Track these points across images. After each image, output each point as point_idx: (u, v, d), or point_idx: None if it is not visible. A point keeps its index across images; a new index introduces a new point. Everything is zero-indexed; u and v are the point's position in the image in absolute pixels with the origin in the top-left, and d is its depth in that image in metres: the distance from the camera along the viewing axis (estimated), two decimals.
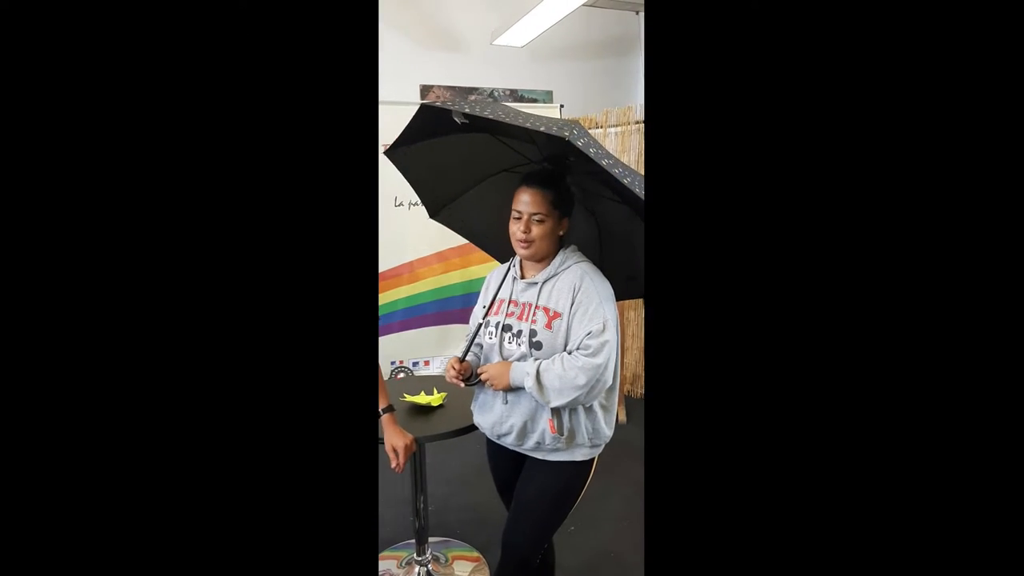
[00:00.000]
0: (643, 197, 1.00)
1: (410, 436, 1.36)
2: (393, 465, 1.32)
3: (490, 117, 1.04)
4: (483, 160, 1.40)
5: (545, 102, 3.88)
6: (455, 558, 1.90)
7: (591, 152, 0.99)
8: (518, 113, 1.07)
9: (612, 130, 3.00)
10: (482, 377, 1.23)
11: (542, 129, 1.00)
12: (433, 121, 1.22)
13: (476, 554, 1.91)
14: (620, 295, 1.40)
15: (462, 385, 1.25)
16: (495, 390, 1.22)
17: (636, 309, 3.17)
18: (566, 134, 0.98)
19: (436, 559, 1.85)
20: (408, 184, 1.50)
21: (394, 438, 1.34)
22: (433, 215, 1.53)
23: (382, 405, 1.38)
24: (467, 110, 1.08)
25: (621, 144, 2.98)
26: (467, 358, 1.28)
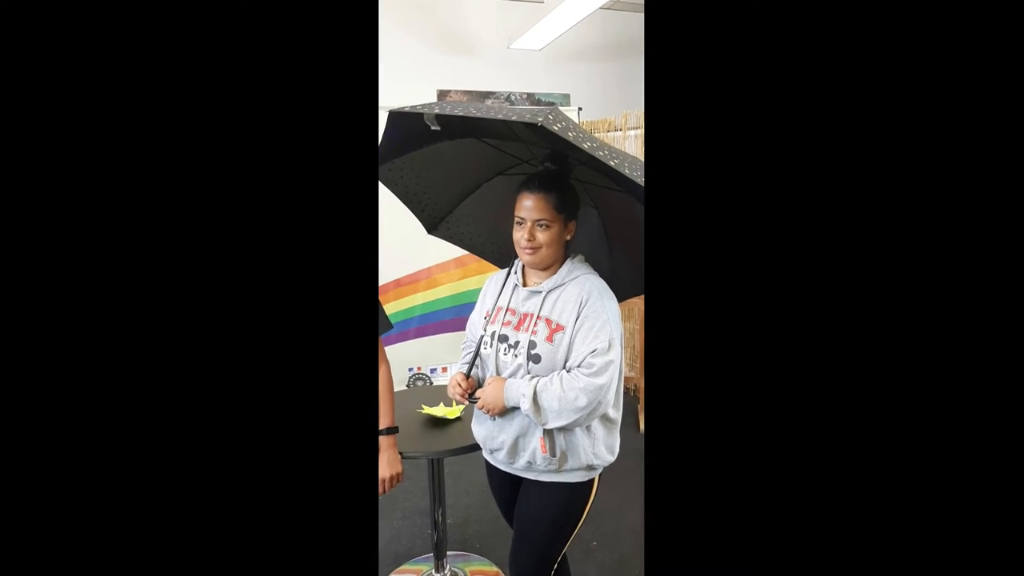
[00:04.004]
0: (631, 177, 0.92)
1: (399, 468, 1.32)
2: (381, 492, 1.30)
3: (461, 115, 0.99)
4: (474, 166, 1.35)
5: (562, 105, 3.84)
6: (473, 573, 1.85)
7: (570, 136, 0.92)
8: (490, 108, 1.02)
9: (631, 132, 2.94)
10: (477, 405, 1.17)
11: (514, 118, 0.95)
12: (410, 129, 1.17)
13: (495, 569, 1.86)
14: (631, 291, 1.34)
15: (467, 402, 1.21)
16: (491, 416, 1.17)
17: None
18: (539, 120, 0.90)
19: (455, 575, 1.81)
20: None
21: (383, 466, 1.30)
22: (431, 230, 1.48)
23: (386, 424, 1.33)
24: (438, 111, 1.02)
25: (641, 147, 2.93)
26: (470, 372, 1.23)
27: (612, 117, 3.09)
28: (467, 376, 1.21)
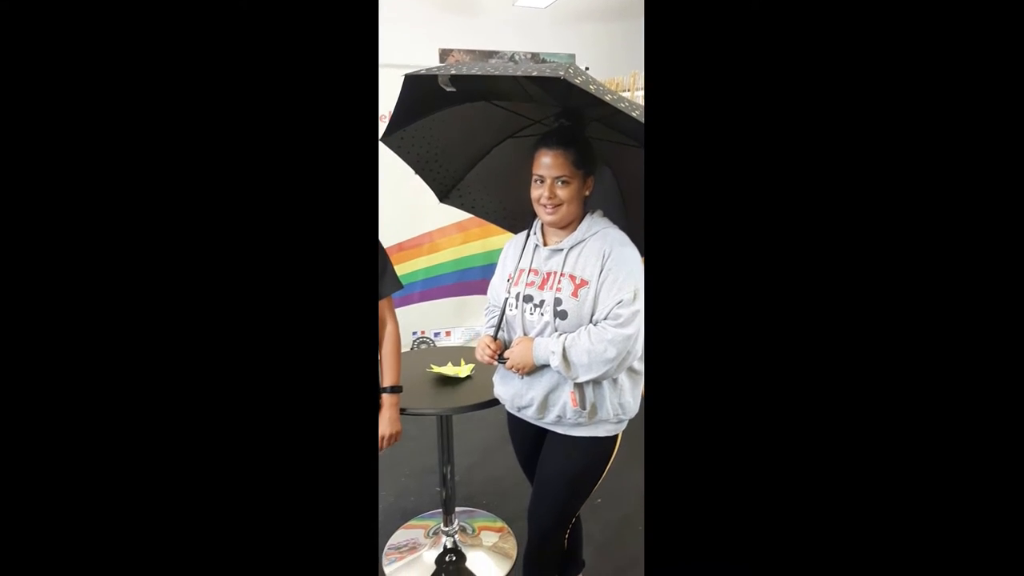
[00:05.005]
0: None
1: (399, 427, 1.33)
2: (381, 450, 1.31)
3: (478, 74, 0.98)
4: (483, 130, 1.33)
5: None
6: (481, 528, 1.89)
7: (591, 89, 0.91)
8: (507, 66, 1.02)
9: (639, 93, 2.88)
10: (506, 365, 1.18)
11: (535, 74, 0.93)
12: (423, 94, 1.15)
13: (501, 524, 1.90)
14: None
15: (496, 363, 1.21)
16: (521, 375, 1.18)
17: None
18: (561, 73, 0.89)
19: (463, 530, 1.85)
20: None
21: (383, 424, 1.31)
22: (443, 198, 1.46)
23: (390, 382, 1.33)
24: (453, 71, 1.00)
25: None
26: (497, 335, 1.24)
27: (620, 77, 3.02)
28: (494, 338, 1.21)
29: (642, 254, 1.37)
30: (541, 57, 3.77)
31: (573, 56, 3.82)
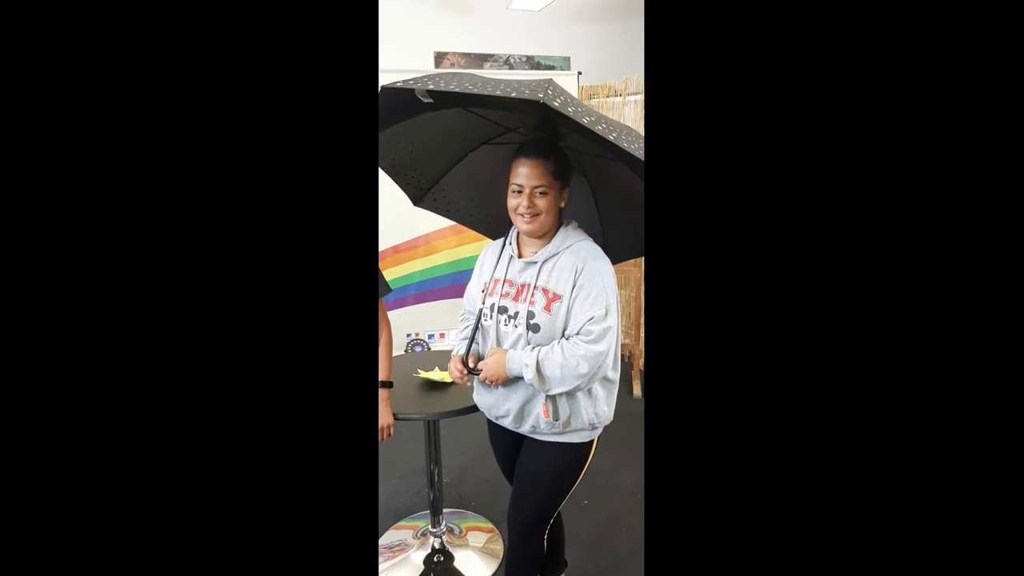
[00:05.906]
0: (629, 150, 0.92)
1: (389, 419, 1.38)
2: None
3: (456, 91, 0.98)
4: (459, 136, 1.34)
5: (562, 69, 3.77)
6: (469, 529, 1.92)
7: (569, 112, 0.92)
8: (487, 81, 1.01)
9: (632, 98, 2.90)
10: (480, 377, 1.21)
11: (513, 95, 0.94)
12: (398, 103, 1.17)
13: (489, 525, 1.93)
14: (623, 255, 1.35)
15: (469, 383, 1.25)
16: (495, 386, 1.21)
17: None
18: (540, 96, 0.90)
19: (451, 530, 1.88)
20: None
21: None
22: (417, 202, 1.47)
23: (381, 378, 1.38)
24: (431, 86, 1.02)
25: (641, 112, 2.89)
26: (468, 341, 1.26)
27: (612, 82, 3.04)
28: (467, 353, 1.24)
29: (634, 256, 1.39)
30: (536, 60, 3.79)
31: (568, 59, 3.83)
